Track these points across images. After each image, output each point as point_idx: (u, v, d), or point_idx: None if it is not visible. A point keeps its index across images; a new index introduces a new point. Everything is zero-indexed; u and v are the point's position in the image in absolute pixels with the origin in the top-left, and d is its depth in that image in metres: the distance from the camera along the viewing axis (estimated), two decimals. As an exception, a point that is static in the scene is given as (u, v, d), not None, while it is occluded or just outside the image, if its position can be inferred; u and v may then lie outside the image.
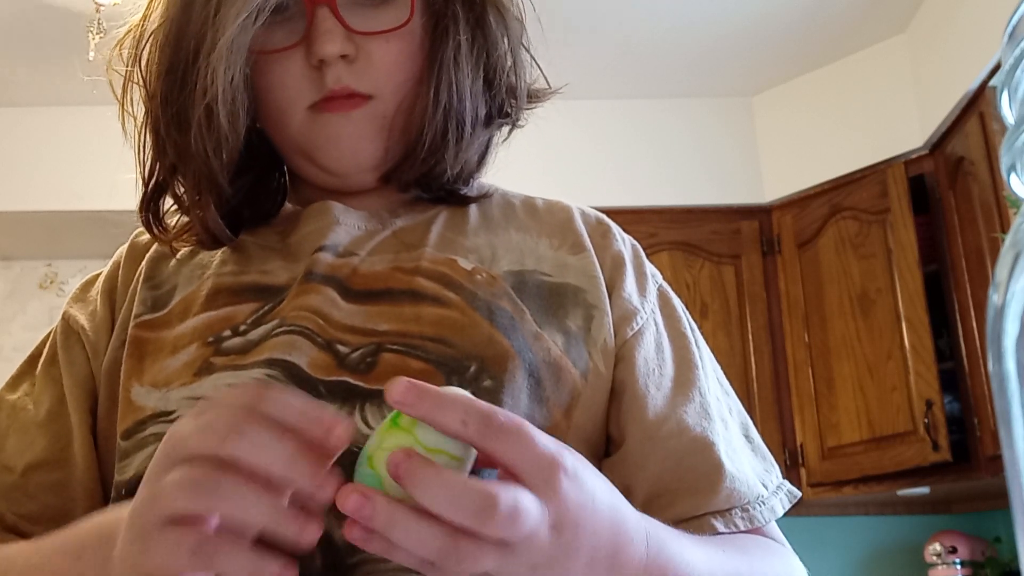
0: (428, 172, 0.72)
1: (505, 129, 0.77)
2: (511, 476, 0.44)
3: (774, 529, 0.69)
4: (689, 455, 0.65)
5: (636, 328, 0.70)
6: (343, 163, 0.70)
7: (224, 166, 0.67)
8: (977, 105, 2.55)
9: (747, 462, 0.68)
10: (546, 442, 0.45)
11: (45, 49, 2.94)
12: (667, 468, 0.65)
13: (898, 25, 2.98)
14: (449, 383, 0.60)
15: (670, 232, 3.04)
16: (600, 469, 0.66)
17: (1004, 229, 2.38)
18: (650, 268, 0.76)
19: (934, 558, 2.83)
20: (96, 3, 2.56)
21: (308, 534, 0.43)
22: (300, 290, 0.66)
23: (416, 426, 0.43)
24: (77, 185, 3.13)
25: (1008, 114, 0.28)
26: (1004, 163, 0.27)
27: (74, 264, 3.55)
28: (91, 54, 2.56)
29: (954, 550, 2.79)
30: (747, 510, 0.65)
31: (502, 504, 0.41)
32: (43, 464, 0.67)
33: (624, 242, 0.76)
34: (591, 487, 0.47)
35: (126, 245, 0.78)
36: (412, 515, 0.41)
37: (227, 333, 0.64)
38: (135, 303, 0.71)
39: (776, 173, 3.18)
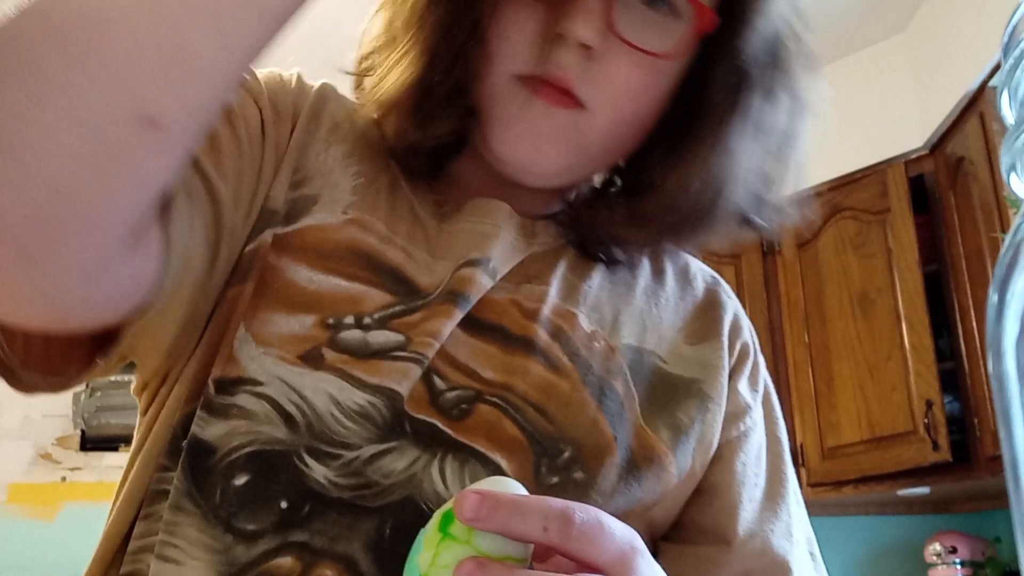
0: (597, 222, 0.64)
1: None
2: (588, 568, 0.42)
3: None
4: (762, 574, 0.62)
5: (743, 429, 0.65)
6: (516, 154, 0.60)
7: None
8: (977, 105, 2.55)
9: None
10: (620, 530, 0.43)
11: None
12: None
13: (898, 25, 2.97)
14: (539, 464, 0.56)
15: (670, 232, 3.04)
16: (655, 551, 0.63)
17: (1004, 229, 2.38)
18: (762, 362, 0.70)
19: (934, 558, 2.83)
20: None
21: None
22: (436, 310, 0.58)
23: (473, 534, 0.40)
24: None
25: (1008, 114, 0.28)
26: (1004, 163, 0.27)
27: (74, 264, 3.54)
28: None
29: (954, 550, 2.79)
30: None
31: None
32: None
33: (751, 332, 0.70)
34: (656, 566, 0.46)
35: (314, 89, 0.65)
36: None
37: (349, 320, 0.56)
38: (280, 181, 0.60)
39: (776, 173, 3.18)
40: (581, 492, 0.56)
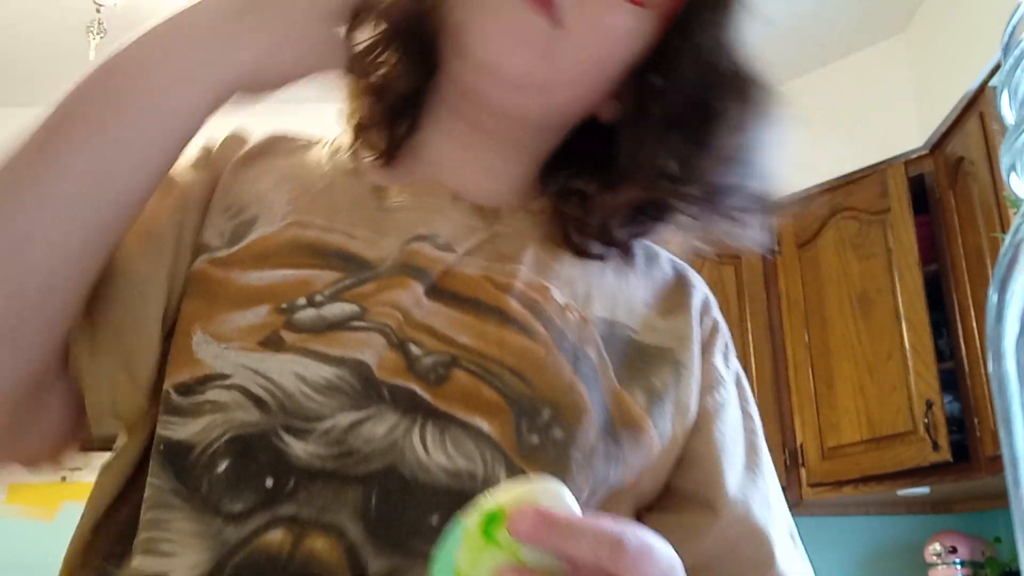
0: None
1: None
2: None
3: None
4: (744, 542, 0.64)
5: (719, 399, 0.67)
6: (489, 49, 0.62)
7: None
8: (977, 105, 2.55)
9: (794, 564, 0.66)
10: (667, 555, 0.44)
11: (45, 49, 2.94)
12: (719, 549, 0.64)
13: (898, 25, 2.98)
14: (519, 425, 0.57)
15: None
16: (639, 521, 0.64)
17: (1004, 229, 2.38)
18: (732, 344, 0.73)
19: (934, 558, 2.83)
20: (96, 3, 2.56)
21: None
22: (389, 282, 0.60)
23: (519, 544, 0.41)
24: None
25: (1008, 114, 0.28)
26: (1004, 163, 0.27)
27: (74, 264, 3.54)
28: (92, 55, 2.56)
29: (954, 550, 2.79)
30: None
31: None
32: None
33: (721, 317, 0.73)
34: None
35: (221, 137, 0.70)
36: None
37: (301, 301, 0.58)
38: (211, 223, 0.63)
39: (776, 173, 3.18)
40: (561, 451, 0.57)
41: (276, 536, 0.52)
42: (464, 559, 0.41)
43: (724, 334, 0.72)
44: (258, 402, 0.55)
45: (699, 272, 0.75)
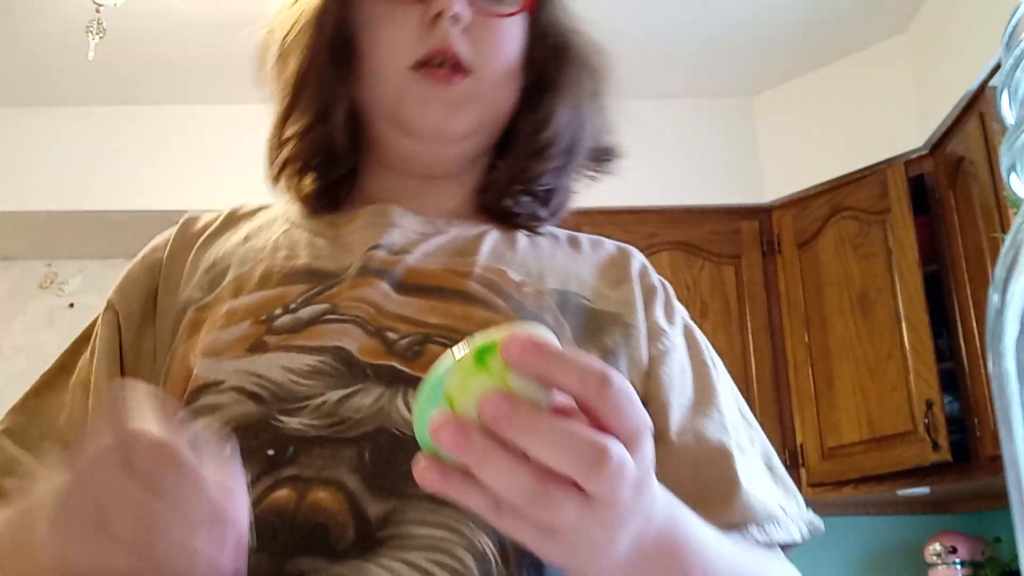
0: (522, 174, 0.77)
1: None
2: (601, 427, 0.42)
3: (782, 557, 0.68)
4: (705, 465, 0.66)
5: (662, 348, 0.73)
6: (430, 125, 0.73)
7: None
8: (977, 105, 2.55)
9: (764, 485, 0.68)
10: (641, 407, 0.44)
11: (45, 49, 2.94)
12: (682, 478, 0.64)
13: (898, 25, 2.97)
14: None
15: (670, 232, 3.04)
16: None
17: (1004, 229, 2.38)
18: (679, 306, 0.79)
19: (934, 558, 2.83)
20: (96, 3, 2.56)
21: None
22: (354, 283, 0.69)
23: (508, 371, 0.41)
24: (77, 185, 3.13)
25: (1008, 114, 0.28)
26: (1004, 163, 0.27)
27: (74, 264, 3.55)
28: (91, 54, 2.56)
29: (954, 550, 2.79)
30: (761, 527, 0.65)
31: (613, 459, 0.40)
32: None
33: (659, 280, 0.79)
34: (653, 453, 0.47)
35: (174, 229, 0.80)
36: (508, 453, 0.40)
37: (279, 311, 0.67)
38: (191, 286, 0.73)
39: (776, 173, 3.18)
40: None
41: (283, 493, 0.58)
42: (454, 383, 0.42)
43: (663, 294, 0.78)
44: (253, 396, 0.62)
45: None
